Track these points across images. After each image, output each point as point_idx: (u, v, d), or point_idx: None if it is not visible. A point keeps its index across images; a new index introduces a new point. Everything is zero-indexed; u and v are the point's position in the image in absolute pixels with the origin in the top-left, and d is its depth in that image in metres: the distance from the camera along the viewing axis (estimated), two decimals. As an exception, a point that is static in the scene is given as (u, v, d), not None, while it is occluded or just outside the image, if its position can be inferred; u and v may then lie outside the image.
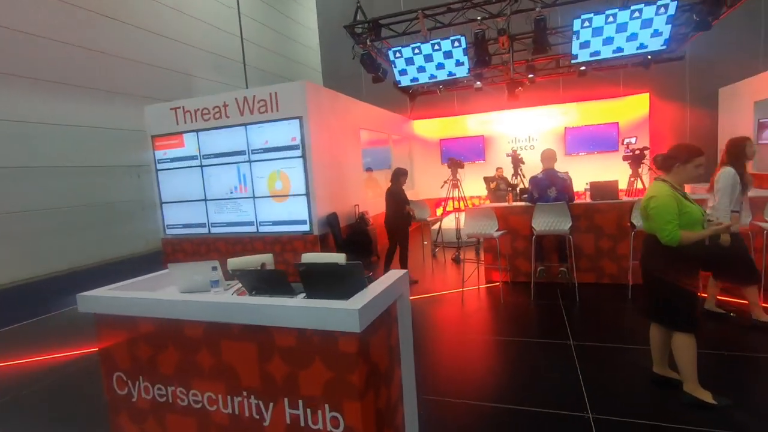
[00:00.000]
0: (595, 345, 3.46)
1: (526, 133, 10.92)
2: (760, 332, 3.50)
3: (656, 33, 5.84)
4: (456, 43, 6.20)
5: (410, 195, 11.34)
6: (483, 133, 11.23)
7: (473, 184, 9.50)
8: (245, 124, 6.34)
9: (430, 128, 11.73)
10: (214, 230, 6.83)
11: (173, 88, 11.00)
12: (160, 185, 7.10)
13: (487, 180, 10.05)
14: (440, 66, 6.49)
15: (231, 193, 6.59)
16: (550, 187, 4.73)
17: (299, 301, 1.92)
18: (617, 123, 10.12)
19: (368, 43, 6.62)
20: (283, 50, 16.13)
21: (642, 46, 6.09)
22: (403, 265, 5.55)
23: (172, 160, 6.91)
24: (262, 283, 2.25)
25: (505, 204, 5.42)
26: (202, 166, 6.75)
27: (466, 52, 6.25)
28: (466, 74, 6.72)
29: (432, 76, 6.71)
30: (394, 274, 2.27)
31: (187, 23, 11.76)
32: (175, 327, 2.18)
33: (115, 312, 2.33)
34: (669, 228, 2.50)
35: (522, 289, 5.06)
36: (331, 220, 6.48)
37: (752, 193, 4.86)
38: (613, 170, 9.23)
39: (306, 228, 6.21)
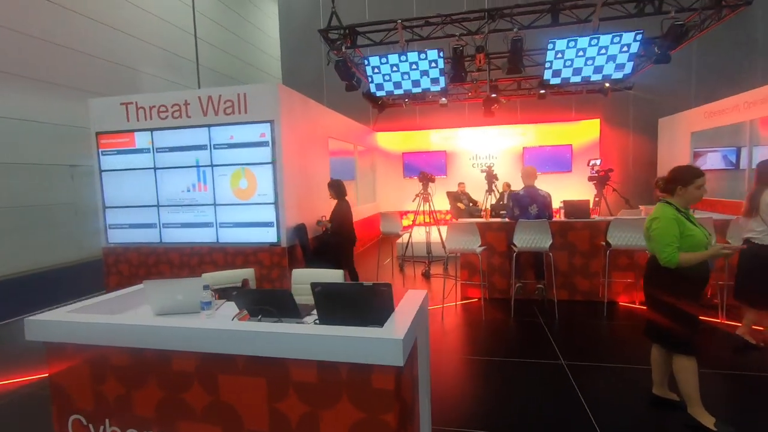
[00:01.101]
0: (587, 365, 3.43)
1: (486, 150, 11.19)
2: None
3: (619, 67, 6.19)
4: (434, 56, 6.16)
5: (372, 208, 11.25)
6: (445, 149, 11.36)
7: (435, 199, 9.49)
8: (209, 125, 5.85)
9: (393, 141, 11.68)
10: (166, 239, 6.19)
11: (117, 82, 10.09)
12: (104, 187, 6.35)
13: (450, 195, 10.15)
14: (418, 78, 6.42)
15: (188, 191, 6.01)
16: (531, 205, 4.76)
17: (325, 328, 1.65)
18: (571, 145, 10.67)
19: (343, 49, 6.42)
20: (241, 53, 15.49)
21: (605, 76, 6.44)
22: None
23: (120, 160, 6.22)
24: (264, 304, 1.93)
25: (482, 220, 5.39)
26: (155, 168, 6.13)
27: (444, 66, 6.23)
28: (442, 88, 6.71)
29: (408, 89, 6.63)
30: (414, 294, 2.06)
31: (137, 15, 10.91)
32: (158, 359, 1.81)
33: (76, 341, 1.90)
34: (668, 250, 2.50)
35: (500, 306, 5.02)
36: (300, 231, 6.12)
37: (715, 216, 5.20)
38: (570, 190, 9.68)
39: (273, 239, 5.80)
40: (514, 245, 4.71)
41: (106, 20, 9.94)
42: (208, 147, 5.88)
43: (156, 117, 6.03)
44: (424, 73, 6.22)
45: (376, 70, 6.55)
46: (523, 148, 10.90)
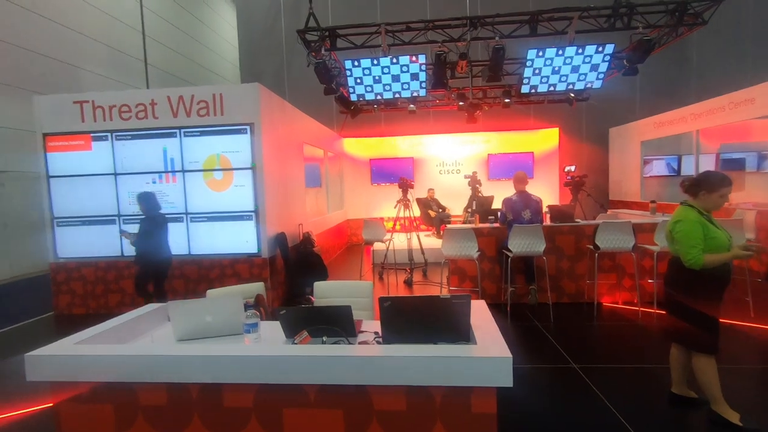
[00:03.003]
0: (599, 366, 3.47)
1: (452, 157, 11.35)
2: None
3: (583, 77, 6.51)
4: (415, 60, 6.12)
5: (341, 215, 10.99)
6: (413, 155, 11.39)
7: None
8: (180, 128, 5.39)
9: (359, 147, 11.54)
10: (129, 252, 5.59)
11: (57, 80, 9.13)
12: (52, 196, 5.64)
13: (419, 201, 10.16)
14: (402, 84, 6.35)
15: (154, 183, 5.48)
16: (525, 209, 4.81)
17: (415, 348, 1.47)
18: (533, 153, 11.10)
19: (322, 51, 6.21)
20: (194, 55, 14.67)
21: (569, 86, 6.76)
22: None
23: (73, 165, 5.56)
24: (322, 323, 1.71)
25: (472, 225, 5.38)
26: (116, 174, 5.54)
27: (426, 71, 6.21)
28: (418, 94, 6.68)
29: (391, 95, 6.53)
30: (480, 305, 1.93)
31: (80, 8, 9.97)
32: (204, 394, 1.53)
33: (94, 378, 1.57)
34: (693, 252, 2.57)
35: (494, 311, 4.95)
36: (280, 240, 5.78)
37: (640, 219, 5.55)
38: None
39: (254, 249, 5.42)
40: (509, 250, 4.72)
41: (45, 12, 8.98)
42: (178, 135, 5.39)
43: (117, 118, 5.47)
44: (414, 76, 6.15)
45: (358, 80, 6.40)
46: (488, 154, 11.18)
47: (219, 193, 5.45)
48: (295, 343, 1.61)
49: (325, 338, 1.64)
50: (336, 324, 1.72)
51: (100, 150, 5.53)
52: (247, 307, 1.79)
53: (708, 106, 7.75)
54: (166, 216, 4.86)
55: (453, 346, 1.45)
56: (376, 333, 1.90)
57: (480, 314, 1.79)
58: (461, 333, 1.65)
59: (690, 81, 11.07)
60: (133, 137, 5.48)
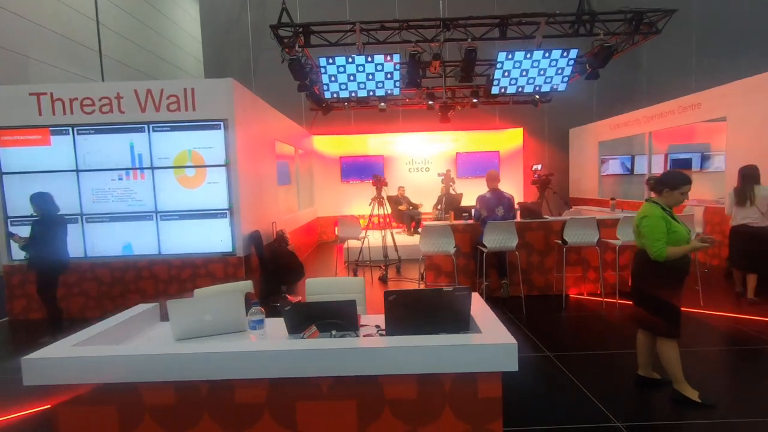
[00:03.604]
0: (572, 354, 3.69)
1: (422, 156, 11.53)
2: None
3: (549, 80, 6.83)
4: (389, 59, 6.19)
5: (310, 213, 10.91)
6: (383, 153, 11.47)
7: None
8: (148, 123, 5.19)
9: (329, 144, 11.49)
10: (94, 253, 5.34)
11: (2, 70, 8.49)
12: (6, 194, 5.28)
13: (390, 199, 10.26)
14: (377, 83, 6.40)
15: (120, 179, 5.26)
16: (498, 206, 5.00)
17: (425, 339, 1.54)
18: (498, 152, 11.47)
19: (296, 48, 6.15)
20: (154, 47, 14.02)
21: (536, 88, 7.06)
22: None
23: (29, 161, 5.23)
24: (328, 318, 1.74)
25: (447, 222, 5.52)
26: (78, 170, 5.26)
27: (399, 70, 6.29)
28: (392, 93, 6.76)
29: (365, 93, 6.56)
30: (478, 298, 2.03)
31: (28, -8, 9.31)
32: (214, 392, 1.54)
33: (97, 380, 1.54)
34: (658, 245, 2.80)
35: (469, 306, 5.17)
36: (255, 238, 5.70)
37: (603, 215, 5.92)
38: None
39: (228, 248, 5.32)
40: (484, 246, 4.90)
41: (-12, -5, 8.33)
42: (146, 130, 5.19)
43: (78, 111, 5.19)
44: (389, 75, 6.21)
45: (332, 77, 6.39)
46: (456, 153, 11.44)
47: (191, 191, 5.30)
48: (304, 338, 1.64)
49: (334, 332, 1.67)
50: (341, 318, 1.76)
51: (60, 145, 5.23)
52: (252, 303, 1.79)
53: (659, 110, 8.31)
54: (65, 217, 4.68)
55: (461, 335, 1.54)
56: (377, 326, 1.96)
57: (477, 306, 1.89)
58: (462, 323, 1.74)
59: (642, 86, 11.79)
60: (97, 132, 5.22)
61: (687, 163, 9.49)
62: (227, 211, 5.29)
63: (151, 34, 13.87)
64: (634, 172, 10.78)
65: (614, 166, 11.00)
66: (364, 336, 1.79)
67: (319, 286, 2.62)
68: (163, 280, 5.37)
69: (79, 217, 5.30)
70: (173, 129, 5.23)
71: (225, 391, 1.53)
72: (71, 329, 1.91)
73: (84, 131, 5.22)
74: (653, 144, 9.30)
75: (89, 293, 5.36)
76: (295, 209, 9.21)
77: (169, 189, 5.29)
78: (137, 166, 5.28)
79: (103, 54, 12.03)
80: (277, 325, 1.94)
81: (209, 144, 5.23)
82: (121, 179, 5.29)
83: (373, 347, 1.49)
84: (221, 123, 5.19)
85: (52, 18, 9.94)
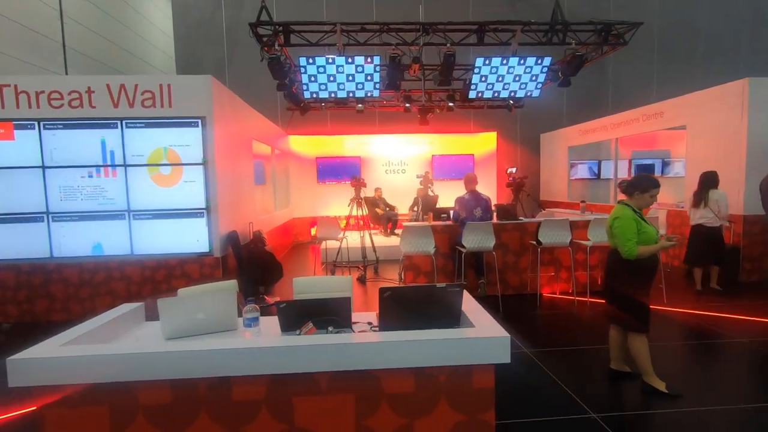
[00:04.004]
0: (550, 350, 3.83)
1: (398, 157, 11.63)
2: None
3: (524, 86, 7.06)
4: (369, 61, 6.23)
5: (286, 214, 10.79)
6: (359, 155, 11.49)
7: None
8: (121, 119, 5.02)
9: (306, 145, 11.42)
10: (61, 253, 5.11)
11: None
12: (-37, 190, 4.99)
13: (367, 200, 10.29)
14: (357, 84, 6.42)
15: (90, 177, 5.06)
16: (476, 207, 5.13)
17: (421, 333, 1.58)
18: (473, 155, 11.71)
19: (276, 47, 6.10)
20: (123, 41, 13.49)
21: (511, 94, 7.28)
22: None
23: (-9, 156, 4.96)
24: (324, 315, 1.76)
25: (427, 223, 5.61)
26: (44, 167, 5.03)
27: (379, 72, 6.35)
28: (372, 95, 6.81)
29: (344, 94, 6.57)
30: (467, 295, 2.09)
31: (-15, -22, 8.79)
32: (212, 389, 1.54)
33: (89, 380, 1.51)
34: (629, 245, 2.97)
35: (448, 305, 5.26)
36: (233, 239, 5.60)
37: (575, 217, 6.17)
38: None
39: (205, 248, 5.21)
40: (462, 246, 5.01)
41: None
42: (119, 126, 5.02)
43: (45, 105, 4.96)
44: (369, 77, 6.24)
45: (312, 77, 6.38)
46: (432, 155, 11.60)
47: (166, 189, 5.16)
48: (301, 334, 1.66)
49: (330, 328, 1.70)
50: (337, 315, 1.79)
51: (24, 140, 4.98)
52: (247, 301, 1.79)
53: (625, 117, 8.71)
54: None
55: (456, 330, 1.59)
56: (369, 323, 1.99)
57: (467, 302, 1.95)
58: (454, 319, 1.79)
59: (608, 94, 12.32)
60: (66, 127, 5.01)
61: (650, 169, 10.00)
62: (204, 211, 5.18)
63: (118, 27, 13.35)
64: (601, 177, 11.26)
65: (582, 171, 11.44)
66: (359, 332, 1.81)
67: (307, 285, 2.63)
68: (135, 282, 5.20)
69: (45, 215, 5.07)
70: (148, 126, 5.08)
71: (223, 389, 1.53)
72: (32, 333, 1.85)
73: (51, 126, 4.99)
74: (620, 150, 9.75)
75: (55, 296, 5.12)
76: (271, 210, 9.11)
77: (143, 187, 5.13)
78: (109, 163, 5.10)
79: (67, 46, 11.51)
80: (264, 324, 1.95)
81: (186, 142, 5.11)
82: (91, 177, 5.09)
83: (372, 342, 1.53)
84: (199, 120, 5.09)
85: (8, 5, 9.43)
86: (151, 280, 5.21)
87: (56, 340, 1.66)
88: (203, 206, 5.17)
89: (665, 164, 10.66)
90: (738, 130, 5.95)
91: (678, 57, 12.21)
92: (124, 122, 5.05)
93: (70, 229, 5.10)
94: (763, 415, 2.78)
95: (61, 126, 5.01)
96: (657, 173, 9.88)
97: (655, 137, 10.12)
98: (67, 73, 11.16)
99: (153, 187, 5.14)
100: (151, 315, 2.01)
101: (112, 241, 5.17)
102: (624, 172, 10.26)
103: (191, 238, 5.22)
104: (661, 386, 3.03)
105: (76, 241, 5.12)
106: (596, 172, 11.36)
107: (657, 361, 3.11)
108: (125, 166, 5.10)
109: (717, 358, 3.80)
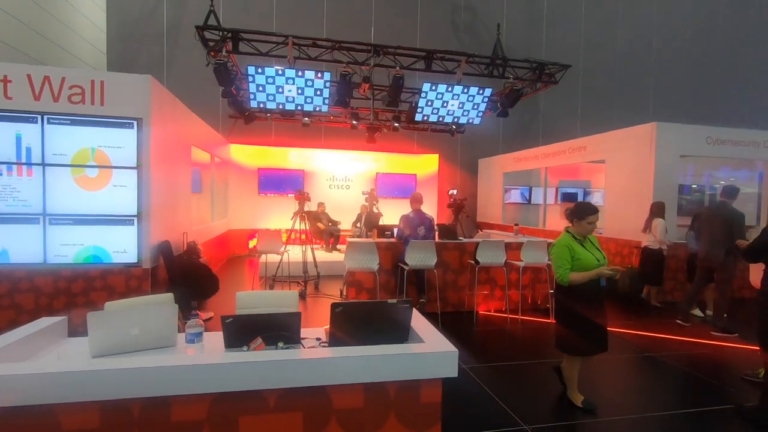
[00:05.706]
0: (485, 366, 3.99)
1: (343, 173, 11.66)
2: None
3: (466, 113, 7.48)
4: (319, 77, 6.26)
5: (223, 225, 10.30)
6: (303, 168, 11.37)
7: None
8: (42, 113, 4.57)
9: (247, 154, 11.08)
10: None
11: None
12: None
13: (309, 215, 10.14)
14: (306, 98, 6.38)
15: (0, 173, 4.52)
16: (420, 226, 5.27)
17: (372, 349, 1.60)
18: (416, 175, 12.06)
19: (223, 52, 5.93)
20: (48, 31, 12.33)
21: (454, 119, 7.68)
22: None
23: None
24: (273, 330, 1.71)
25: (372, 240, 5.65)
26: (-59, 161, 4.41)
27: (329, 88, 6.39)
28: (320, 109, 6.82)
29: (298, 105, 6.51)
30: (417, 312, 2.14)
31: None
32: (147, 411, 1.44)
33: (5, 402, 1.35)
34: (560, 271, 3.20)
35: (389, 321, 5.30)
36: (164, 249, 5.24)
37: (509, 239, 6.54)
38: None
39: (133, 259, 4.82)
40: (405, 263, 5.11)
41: None
42: (39, 121, 4.55)
43: (-51, 92, 4.39)
44: (318, 92, 6.24)
45: (260, 87, 6.26)
46: (377, 173, 11.77)
47: (91, 193, 4.73)
48: (248, 350, 1.60)
49: (281, 344, 1.65)
50: (286, 330, 1.75)
51: None
52: (191, 315, 1.69)
53: (553, 149, 9.49)
54: None
55: (406, 345, 1.63)
56: (317, 339, 1.97)
57: (416, 318, 2.00)
58: (402, 334, 1.83)
59: (539, 126, 13.36)
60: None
61: (573, 197, 10.92)
62: (135, 218, 4.82)
63: (42, 15, 12.22)
64: (531, 202, 12.11)
65: (515, 195, 12.22)
66: (309, 348, 1.79)
67: (251, 300, 2.53)
68: (46, 294, 4.66)
69: (-63, 216, 4.43)
70: (74, 123, 4.67)
71: (160, 409, 1.42)
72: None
73: (-45, 116, 4.42)
74: (548, 178, 10.57)
75: (22, 306, 4.45)
76: (207, 220, 8.67)
77: (64, 190, 4.67)
78: (23, 161, 4.59)
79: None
80: (211, 339, 1.85)
81: (118, 143, 4.75)
82: (1, 174, 4.55)
83: (323, 357, 1.52)
84: (134, 122, 4.77)
85: None
86: (66, 293, 4.70)
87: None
88: (134, 213, 4.81)
89: (586, 193, 11.72)
90: (647, 167, 6.72)
91: (600, 97, 13.59)
92: (45, 117, 4.60)
93: (-29, 232, 4.50)
94: (667, 422, 3.11)
95: (-33, 116, 4.45)
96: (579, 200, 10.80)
97: (578, 168, 11.11)
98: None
99: (76, 190, 4.70)
100: (75, 330, 1.84)
101: (20, 247, 4.61)
102: (551, 199, 11.10)
103: (118, 246, 4.81)
104: (578, 401, 3.26)
105: (-27, 247, 4.51)
106: (527, 197, 12.19)
107: (590, 376, 3.36)
108: (43, 165, 4.62)
109: (641, 371, 4.18)
